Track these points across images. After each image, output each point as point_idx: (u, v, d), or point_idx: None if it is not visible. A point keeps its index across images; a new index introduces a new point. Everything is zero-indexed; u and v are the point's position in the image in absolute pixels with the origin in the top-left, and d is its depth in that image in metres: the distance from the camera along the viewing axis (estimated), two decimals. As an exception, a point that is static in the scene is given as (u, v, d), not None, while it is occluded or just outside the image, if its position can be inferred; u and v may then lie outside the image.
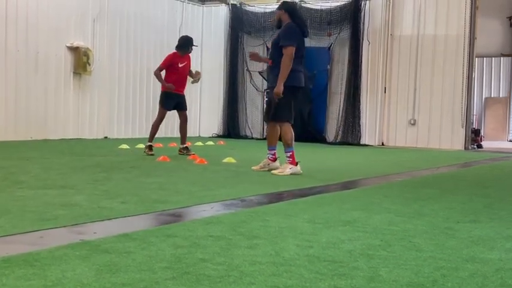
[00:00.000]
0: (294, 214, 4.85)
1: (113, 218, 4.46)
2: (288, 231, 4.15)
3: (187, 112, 10.98)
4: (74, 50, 14.54)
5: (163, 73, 10.65)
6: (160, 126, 10.85)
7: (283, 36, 8.08)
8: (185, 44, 10.75)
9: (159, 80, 10.65)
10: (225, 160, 9.70)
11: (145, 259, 3.22)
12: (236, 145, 14.65)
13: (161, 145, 12.92)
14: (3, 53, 13.09)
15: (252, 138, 17.76)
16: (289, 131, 8.27)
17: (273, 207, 5.32)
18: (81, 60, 14.57)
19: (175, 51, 10.75)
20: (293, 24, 8.17)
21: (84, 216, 4.45)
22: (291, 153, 8.17)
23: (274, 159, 8.40)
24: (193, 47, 10.92)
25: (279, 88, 7.98)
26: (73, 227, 4.09)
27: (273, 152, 8.41)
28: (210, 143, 14.80)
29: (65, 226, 4.10)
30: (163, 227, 4.19)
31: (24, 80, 13.54)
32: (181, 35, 11.23)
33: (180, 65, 10.62)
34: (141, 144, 12.38)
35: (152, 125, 10.76)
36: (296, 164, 8.13)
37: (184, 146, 10.87)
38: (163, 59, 10.97)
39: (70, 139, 14.25)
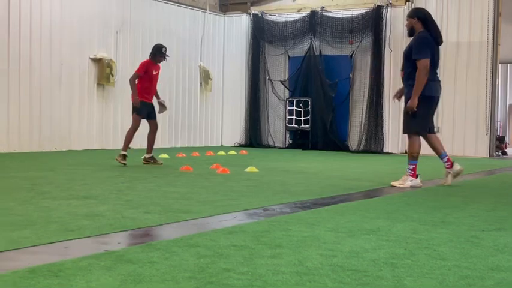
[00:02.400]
0: (316, 223, 4.83)
1: (136, 228, 4.49)
2: (311, 240, 4.13)
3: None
4: (97, 61, 14.69)
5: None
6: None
7: (415, 48, 7.81)
8: (153, 52, 10.50)
9: (132, 89, 10.36)
10: (248, 169, 9.71)
11: (169, 269, 3.22)
12: (258, 154, 14.65)
13: (184, 155, 12.99)
14: (28, 65, 13.26)
15: (275, 147, 17.75)
16: (416, 143, 8.00)
17: (296, 216, 5.30)
18: (104, 71, 14.71)
19: (148, 58, 10.57)
20: (425, 33, 7.88)
21: (107, 227, 4.48)
22: (413, 166, 7.96)
23: (451, 165, 8.11)
24: (165, 56, 10.55)
25: (413, 102, 7.81)
26: (97, 237, 4.12)
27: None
28: (233, 152, 14.81)
29: (89, 236, 4.13)
30: (186, 236, 4.20)
31: (49, 91, 13.70)
32: (156, 43, 10.98)
33: (154, 73, 10.48)
34: (164, 154, 12.45)
35: (127, 134, 10.43)
36: (417, 177, 7.97)
37: (151, 155, 10.65)
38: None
39: (94, 150, 14.36)
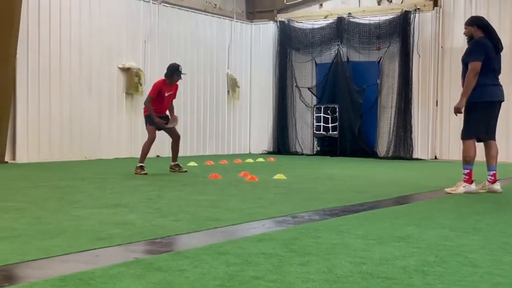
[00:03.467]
0: (346, 230, 4.81)
1: (166, 236, 4.51)
2: (340, 247, 4.11)
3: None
4: (126, 70, 14.83)
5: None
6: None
7: (467, 52, 7.95)
8: (170, 72, 10.41)
9: (150, 112, 10.37)
10: (276, 177, 9.70)
11: (199, 277, 3.23)
12: (286, 162, 14.64)
13: (212, 163, 13.02)
14: (58, 76, 13.43)
15: (303, 154, 17.71)
16: (470, 148, 7.96)
17: (325, 223, 5.29)
18: (132, 80, 14.84)
19: (163, 78, 10.50)
20: (480, 38, 7.93)
21: (137, 235, 4.51)
22: (468, 171, 7.92)
23: (493, 181, 8.01)
24: (181, 75, 10.49)
25: (459, 103, 7.94)
26: (127, 246, 4.15)
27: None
28: (261, 159, 14.82)
29: (119, 245, 4.16)
30: (216, 244, 4.21)
31: (78, 101, 13.85)
32: (171, 63, 10.75)
33: (166, 94, 10.39)
34: (192, 162, 12.50)
35: (143, 146, 10.50)
36: (471, 183, 7.89)
37: (176, 163, 10.73)
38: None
39: (123, 158, 14.48)
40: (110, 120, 14.60)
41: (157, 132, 10.73)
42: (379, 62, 16.73)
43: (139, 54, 15.23)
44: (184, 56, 16.41)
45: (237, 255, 3.80)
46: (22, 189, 7.71)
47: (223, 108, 17.77)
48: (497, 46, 8.04)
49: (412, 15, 16.29)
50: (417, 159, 16.12)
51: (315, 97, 17.73)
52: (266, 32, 18.58)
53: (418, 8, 16.36)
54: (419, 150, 16.35)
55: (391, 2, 16.99)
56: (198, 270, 3.37)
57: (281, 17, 18.32)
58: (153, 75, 15.50)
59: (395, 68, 16.58)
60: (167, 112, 10.79)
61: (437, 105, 16.41)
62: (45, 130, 13.21)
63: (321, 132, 17.28)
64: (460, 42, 16.07)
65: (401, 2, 16.81)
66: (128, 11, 15.01)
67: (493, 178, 8.01)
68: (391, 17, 16.53)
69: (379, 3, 17.25)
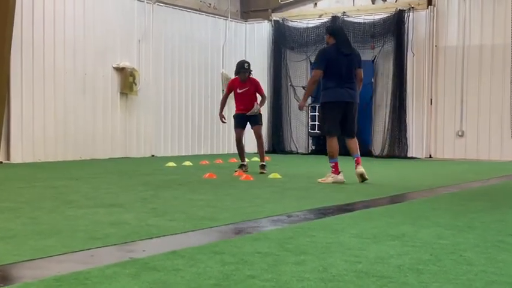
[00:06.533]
0: (341, 229, 4.82)
1: (161, 236, 4.51)
2: (335, 246, 4.12)
3: (260, 128, 11.17)
4: (120, 70, 14.80)
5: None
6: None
7: (314, 60, 9.11)
8: (236, 70, 10.71)
9: (220, 106, 11.13)
10: (271, 176, 9.71)
11: (194, 276, 3.24)
12: (281, 161, 14.64)
13: (207, 162, 13.02)
14: (52, 75, 13.39)
15: (298, 153, 17.73)
16: (332, 144, 8.96)
17: (320, 222, 5.29)
18: (127, 80, 14.81)
19: (236, 76, 10.84)
20: (327, 47, 9.06)
21: (133, 235, 4.50)
22: (333, 164, 8.87)
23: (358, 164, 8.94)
24: (247, 70, 10.61)
25: (300, 103, 9.61)
26: (122, 245, 4.15)
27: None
28: (256, 158, 14.80)
29: (114, 244, 4.15)
30: (211, 243, 4.21)
31: (73, 101, 13.82)
32: (238, 61, 11.24)
33: (238, 91, 10.63)
34: (187, 162, 12.49)
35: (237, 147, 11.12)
36: (338, 173, 8.77)
37: (261, 163, 10.82)
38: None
39: (118, 158, 14.46)
40: (105, 120, 14.58)
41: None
42: (373, 61, 16.76)
43: (133, 53, 15.21)
44: (178, 55, 16.42)
45: (232, 254, 3.80)
46: (17, 189, 7.69)
47: (218, 108, 17.71)
48: (343, 51, 8.85)
49: (406, 14, 16.34)
50: (412, 157, 16.15)
51: (310, 96, 17.71)
52: (260, 31, 18.58)
53: (412, 7, 16.41)
54: (414, 149, 16.39)
55: (386, 0, 17.03)
56: (194, 270, 3.37)
57: (275, 16, 18.34)
58: (148, 74, 15.51)
59: (389, 66, 16.62)
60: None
61: (431, 104, 16.45)
62: (40, 130, 13.17)
63: (316, 131, 17.28)
64: (454, 41, 16.15)
65: (396, 1, 16.85)
66: (122, 11, 14.99)
67: (356, 163, 8.91)
68: (386, 15, 16.57)
69: (373, 2, 17.28)
